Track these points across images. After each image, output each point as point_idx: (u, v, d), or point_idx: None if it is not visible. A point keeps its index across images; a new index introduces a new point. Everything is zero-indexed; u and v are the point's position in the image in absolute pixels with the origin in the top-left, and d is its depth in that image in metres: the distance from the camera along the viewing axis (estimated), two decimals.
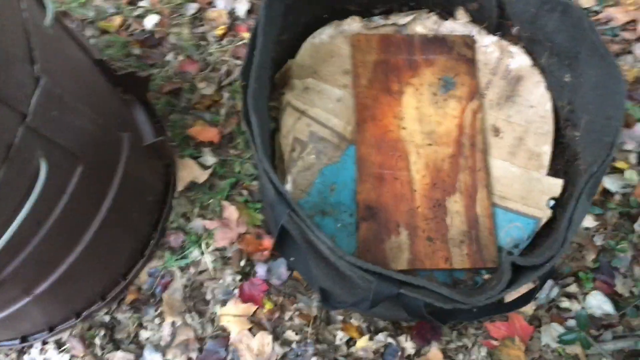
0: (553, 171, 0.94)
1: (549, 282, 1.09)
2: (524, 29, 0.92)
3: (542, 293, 1.08)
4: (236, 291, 1.16)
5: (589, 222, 1.13)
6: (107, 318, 1.16)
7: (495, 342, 1.06)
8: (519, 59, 1.00)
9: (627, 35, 1.32)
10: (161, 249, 1.20)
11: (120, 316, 1.16)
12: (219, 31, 1.39)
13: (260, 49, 0.79)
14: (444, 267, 0.89)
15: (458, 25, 1.04)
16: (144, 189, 1.12)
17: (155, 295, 1.17)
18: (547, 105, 0.97)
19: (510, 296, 0.78)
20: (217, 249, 1.20)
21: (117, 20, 1.40)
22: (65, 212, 0.86)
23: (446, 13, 1.05)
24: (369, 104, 0.97)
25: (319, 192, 0.93)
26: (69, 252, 0.95)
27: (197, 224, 1.22)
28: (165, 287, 1.18)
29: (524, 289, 0.73)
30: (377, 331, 1.11)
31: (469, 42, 1.02)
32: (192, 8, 1.42)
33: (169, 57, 1.37)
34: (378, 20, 1.05)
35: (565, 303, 1.08)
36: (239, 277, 1.17)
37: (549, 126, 0.96)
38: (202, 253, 1.20)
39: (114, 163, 0.98)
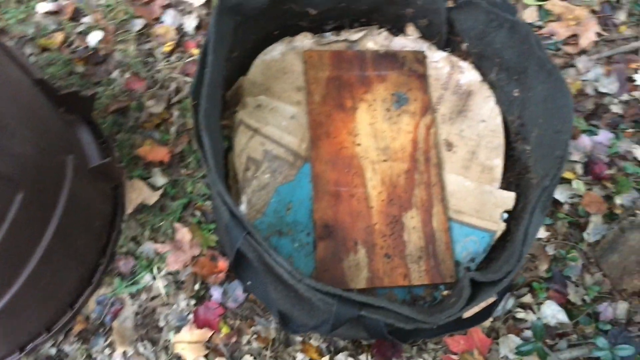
0: (505, 184, 0.96)
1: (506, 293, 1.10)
2: (473, 45, 0.93)
3: (499, 305, 1.09)
4: (191, 316, 1.12)
5: (540, 232, 1.15)
6: (53, 351, 1.10)
7: (454, 357, 1.07)
8: (468, 74, 1.01)
9: (569, 49, 1.37)
10: (110, 275, 1.15)
11: (67, 348, 1.10)
12: (167, 47, 1.36)
13: (211, 67, 0.77)
14: (402, 284, 0.88)
15: (409, 41, 1.05)
16: (91, 214, 1.07)
17: (104, 325, 1.11)
18: (497, 120, 0.98)
19: (470, 311, 0.78)
20: (169, 273, 1.16)
21: (59, 37, 1.34)
22: (5, 242, 0.80)
23: (396, 29, 1.06)
24: (322, 121, 0.96)
25: (275, 211, 0.91)
26: (10, 284, 0.89)
27: (148, 247, 1.17)
28: (115, 315, 1.12)
29: (483, 304, 0.73)
30: (338, 351, 1.09)
31: (420, 58, 1.03)
32: (138, 24, 1.38)
33: (115, 74, 1.32)
34: (330, 36, 1.04)
35: (521, 314, 1.09)
36: (193, 302, 1.13)
37: (499, 140, 0.97)
38: (154, 278, 1.15)
39: (57, 188, 0.92)
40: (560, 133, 0.75)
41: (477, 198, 0.94)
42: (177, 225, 1.19)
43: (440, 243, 0.91)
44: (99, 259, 1.13)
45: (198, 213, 1.21)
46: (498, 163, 0.96)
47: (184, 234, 1.18)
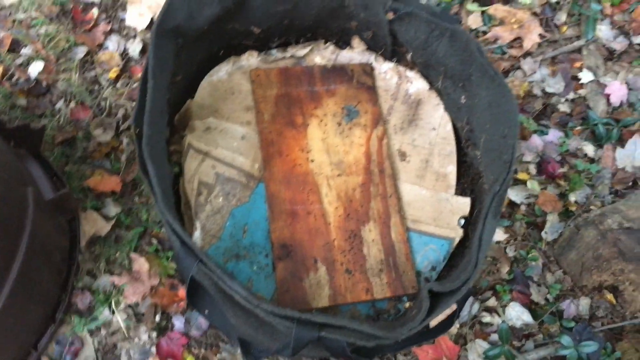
0: (460, 190, 0.96)
1: (469, 299, 1.10)
2: (417, 54, 0.94)
3: (464, 310, 1.09)
4: (153, 349, 1.08)
5: (499, 235, 1.16)
6: None
7: None
8: (416, 84, 1.01)
9: (514, 52, 1.39)
10: (68, 312, 1.10)
11: None
12: (113, 74, 1.32)
13: (152, 93, 0.74)
14: (365, 298, 0.87)
15: (355, 54, 1.05)
16: (51, 247, 1.03)
17: None
18: (448, 127, 0.99)
19: (432, 321, 0.77)
20: (128, 306, 1.12)
21: None
22: None
23: (342, 42, 1.06)
24: (274, 139, 0.95)
25: (231, 235, 0.89)
26: None
27: (105, 280, 1.13)
28: (75, 354, 1.08)
29: (444, 313, 0.72)
30: None
31: (368, 70, 1.03)
32: (81, 52, 1.34)
33: (59, 105, 1.28)
34: (276, 53, 1.04)
35: (486, 318, 1.09)
36: (155, 334, 1.09)
37: (451, 147, 0.98)
38: (113, 312, 1.11)
39: (20, 220, 0.89)
40: (506, 138, 0.75)
41: (433, 206, 0.94)
42: (133, 255, 1.15)
43: (400, 254, 0.91)
44: (60, 295, 1.09)
45: (155, 241, 1.18)
46: (452, 170, 0.97)
47: (141, 264, 1.14)
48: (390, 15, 0.90)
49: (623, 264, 1.00)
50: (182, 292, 1.13)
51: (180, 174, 0.92)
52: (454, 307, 0.73)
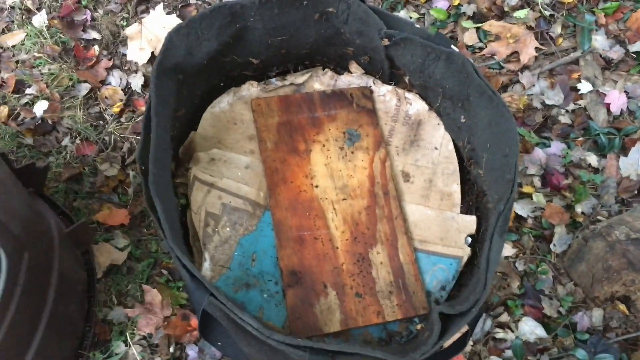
0: (465, 208, 0.96)
1: (482, 315, 1.10)
2: (415, 77, 0.95)
3: (477, 327, 1.09)
4: None
5: (507, 250, 1.16)
6: None
7: None
8: (416, 105, 1.02)
9: (511, 66, 1.40)
10: (93, 346, 1.11)
11: None
12: (116, 109, 1.34)
13: (156, 131, 0.76)
14: (376, 321, 0.87)
15: (354, 78, 1.06)
16: (75, 279, 1.05)
17: None
18: (450, 146, 1.00)
19: (446, 342, 0.77)
20: (143, 338, 1.12)
21: (4, 110, 1.32)
22: (18, 310, 0.79)
23: (340, 67, 1.07)
24: (278, 167, 0.96)
25: (240, 264, 0.89)
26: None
27: (119, 313, 1.14)
28: None
29: (456, 335, 0.72)
30: None
31: (367, 93, 1.04)
32: (84, 88, 1.37)
33: (65, 141, 1.30)
34: (275, 82, 1.05)
35: (500, 334, 1.09)
36: None
37: (454, 165, 0.98)
38: (128, 345, 1.11)
39: (50, 250, 0.92)
40: (507, 157, 0.76)
41: (439, 225, 0.95)
42: (145, 287, 1.16)
43: (409, 275, 0.91)
44: (84, 328, 1.10)
45: (165, 272, 1.19)
46: (456, 188, 0.97)
47: (153, 295, 1.15)
48: (386, 41, 0.91)
49: (633, 275, 1.00)
50: (194, 321, 1.13)
51: (187, 205, 0.93)
52: (466, 327, 0.73)
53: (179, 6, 1.50)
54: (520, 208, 1.21)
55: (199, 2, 1.52)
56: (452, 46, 0.84)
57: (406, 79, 0.99)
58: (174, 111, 0.87)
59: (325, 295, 0.88)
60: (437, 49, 0.85)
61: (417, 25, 1.00)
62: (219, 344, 0.81)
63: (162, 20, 1.46)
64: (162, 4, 1.48)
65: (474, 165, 0.93)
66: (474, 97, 0.84)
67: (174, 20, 1.46)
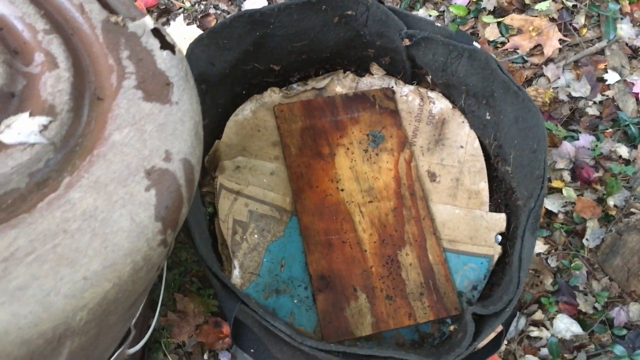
0: (494, 206, 0.95)
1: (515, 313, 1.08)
2: (437, 76, 0.94)
3: (511, 326, 1.08)
4: None
5: (539, 247, 1.14)
6: None
7: None
8: (439, 104, 1.02)
9: (535, 60, 1.38)
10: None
11: None
12: None
13: None
14: (408, 323, 0.87)
15: (375, 80, 1.06)
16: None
17: None
18: (475, 143, 0.99)
19: (480, 343, 0.76)
20: (178, 346, 1.13)
21: None
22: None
23: (361, 70, 1.07)
24: (303, 172, 0.96)
25: (269, 270, 0.90)
26: None
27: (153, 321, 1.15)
28: None
29: (491, 335, 0.71)
30: None
31: (389, 94, 1.04)
32: None
33: None
34: (297, 87, 1.05)
35: (534, 332, 1.07)
36: None
37: (481, 163, 0.97)
38: (165, 355, 1.13)
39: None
40: (536, 152, 0.75)
41: (468, 224, 0.94)
42: (177, 295, 1.17)
43: (439, 276, 0.90)
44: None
45: (195, 279, 1.20)
46: (483, 186, 0.96)
47: (185, 303, 1.16)
48: (407, 42, 0.91)
49: None
50: (226, 329, 1.14)
51: (215, 214, 0.94)
52: (500, 328, 0.72)
53: (199, 17, 1.52)
54: (551, 203, 1.19)
55: (218, 12, 1.53)
56: (474, 43, 0.83)
57: (429, 78, 0.98)
58: None
59: (356, 299, 0.88)
60: (459, 47, 0.85)
61: (438, 24, 1.00)
62: (252, 351, 0.82)
63: (183, 31, 1.47)
64: (182, 15, 1.50)
65: (501, 162, 0.92)
66: (499, 93, 0.83)
67: (194, 31, 1.48)
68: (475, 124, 0.97)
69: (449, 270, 0.91)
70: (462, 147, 0.99)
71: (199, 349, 1.13)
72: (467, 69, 0.87)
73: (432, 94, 1.02)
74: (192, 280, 1.20)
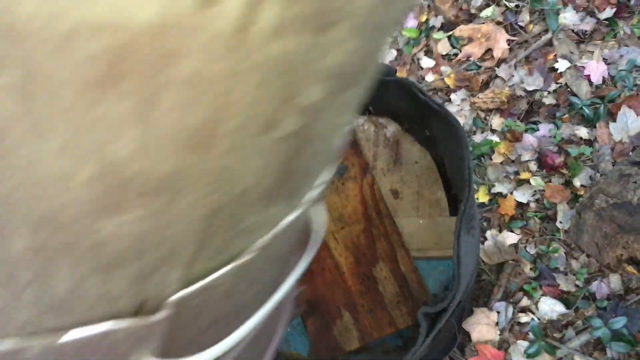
0: (454, 210, 1.04)
1: (503, 304, 1.15)
2: (376, 107, 1.05)
3: (502, 316, 1.15)
4: None
5: (512, 238, 1.21)
6: None
7: None
8: (390, 127, 1.12)
9: (488, 64, 1.47)
10: None
11: None
12: None
13: None
14: (390, 331, 0.96)
15: None
16: None
17: None
18: (428, 157, 1.08)
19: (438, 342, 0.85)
20: None
21: None
22: None
23: None
24: None
25: None
26: None
27: None
28: None
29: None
30: None
31: None
32: None
33: None
34: None
35: (523, 318, 1.14)
36: None
37: (435, 174, 1.07)
38: None
39: None
40: (462, 160, 0.84)
41: (433, 231, 1.03)
42: None
43: (412, 284, 0.99)
44: None
45: None
46: (441, 195, 1.05)
47: None
48: None
49: (627, 237, 1.03)
50: None
51: None
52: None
53: None
54: (521, 195, 1.26)
55: None
56: (397, 74, 0.94)
57: (371, 109, 1.09)
58: None
59: (341, 317, 0.98)
60: (384, 80, 0.95)
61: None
62: None
63: None
64: None
65: (447, 171, 1.01)
66: (427, 114, 0.93)
67: None
68: (422, 141, 1.07)
69: (421, 277, 1.00)
70: (417, 162, 1.09)
71: None
72: (396, 98, 0.97)
73: (382, 120, 1.13)
74: None
